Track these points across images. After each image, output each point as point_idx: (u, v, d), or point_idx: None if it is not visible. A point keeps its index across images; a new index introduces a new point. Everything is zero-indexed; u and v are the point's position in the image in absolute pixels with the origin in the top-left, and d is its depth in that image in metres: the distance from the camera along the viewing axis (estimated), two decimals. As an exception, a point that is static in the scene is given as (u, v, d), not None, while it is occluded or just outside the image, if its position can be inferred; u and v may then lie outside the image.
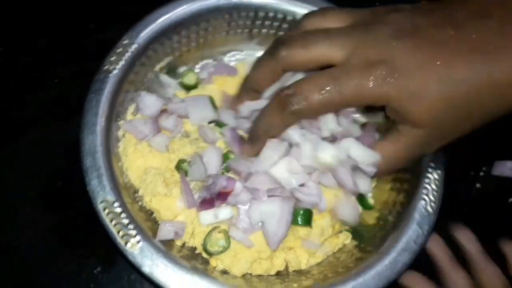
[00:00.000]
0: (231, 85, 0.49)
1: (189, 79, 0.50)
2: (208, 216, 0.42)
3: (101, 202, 0.39)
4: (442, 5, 0.35)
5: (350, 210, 0.43)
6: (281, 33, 0.51)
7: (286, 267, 0.44)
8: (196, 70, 0.52)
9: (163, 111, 0.47)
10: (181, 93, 0.50)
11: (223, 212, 0.42)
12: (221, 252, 0.42)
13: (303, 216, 0.41)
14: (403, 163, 0.39)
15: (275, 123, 0.38)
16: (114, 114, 0.44)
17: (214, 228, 0.42)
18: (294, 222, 0.41)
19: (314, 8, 0.46)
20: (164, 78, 0.50)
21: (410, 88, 0.33)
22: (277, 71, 0.39)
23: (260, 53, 0.43)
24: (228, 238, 0.42)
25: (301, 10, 0.49)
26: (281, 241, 0.41)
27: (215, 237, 0.42)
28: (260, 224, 0.41)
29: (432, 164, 0.43)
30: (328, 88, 0.34)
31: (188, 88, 0.50)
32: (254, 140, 0.41)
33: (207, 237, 0.42)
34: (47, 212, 0.48)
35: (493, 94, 0.32)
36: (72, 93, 0.53)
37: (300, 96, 0.35)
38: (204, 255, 0.43)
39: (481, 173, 0.54)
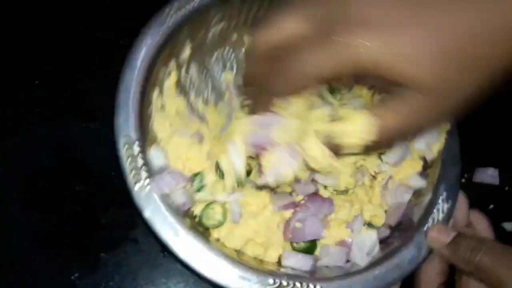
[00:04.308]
0: None
1: None
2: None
3: (124, 136, 0.39)
4: None
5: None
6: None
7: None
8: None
9: None
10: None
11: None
12: (216, 226, 0.42)
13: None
14: (405, 135, 0.34)
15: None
16: (164, 55, 0.43)
17: (213, 202, 0.42)
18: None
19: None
20: None
21: (401, 49, 0.26)
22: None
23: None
24: (225, 213, 0.42)
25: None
26: None
27: (212, 211, 0.42)
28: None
29: (445, 194, 0.43)
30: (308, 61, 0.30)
31: None
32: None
33: (205, 209, 0.42)
34: (29, 214, 0.47)
35: (504, 39, 0.26)
36: (60, 94, 0.52)
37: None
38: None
39: (463, 180, 0.53)
